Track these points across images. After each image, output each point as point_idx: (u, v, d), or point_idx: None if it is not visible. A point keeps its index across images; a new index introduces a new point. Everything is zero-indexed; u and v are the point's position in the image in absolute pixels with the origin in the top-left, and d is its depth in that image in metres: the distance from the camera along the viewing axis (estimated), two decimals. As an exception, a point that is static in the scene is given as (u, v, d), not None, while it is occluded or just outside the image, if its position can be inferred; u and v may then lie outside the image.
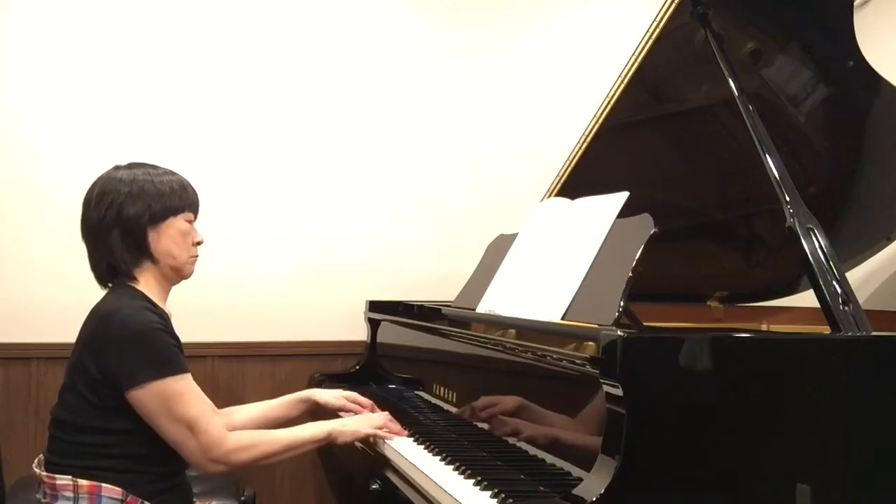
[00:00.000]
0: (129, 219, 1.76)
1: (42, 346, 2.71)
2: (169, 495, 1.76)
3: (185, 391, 1.69)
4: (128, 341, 1.67)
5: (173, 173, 1.85)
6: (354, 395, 2.16)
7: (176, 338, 1.76)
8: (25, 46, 2.77)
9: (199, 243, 1.87)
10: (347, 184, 3.10)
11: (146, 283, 1.80)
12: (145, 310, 1.72)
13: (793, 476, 1.46)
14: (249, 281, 2.97)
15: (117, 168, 1.83)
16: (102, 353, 1.68)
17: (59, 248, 2.72)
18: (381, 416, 2.02)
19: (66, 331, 1.91)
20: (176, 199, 1.81)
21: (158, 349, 1.69)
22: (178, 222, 1.81)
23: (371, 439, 1.99)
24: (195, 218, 1.87)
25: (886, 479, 1.54)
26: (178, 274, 1.85)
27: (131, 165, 1.84)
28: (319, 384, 2.76)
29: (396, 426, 2.00)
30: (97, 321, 1.72)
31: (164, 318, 1.76)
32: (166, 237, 1.79)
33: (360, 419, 2.01)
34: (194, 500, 1.90)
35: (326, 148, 3.08)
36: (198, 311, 2.76)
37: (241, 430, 1.89)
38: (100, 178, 1.82)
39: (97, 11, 2.83)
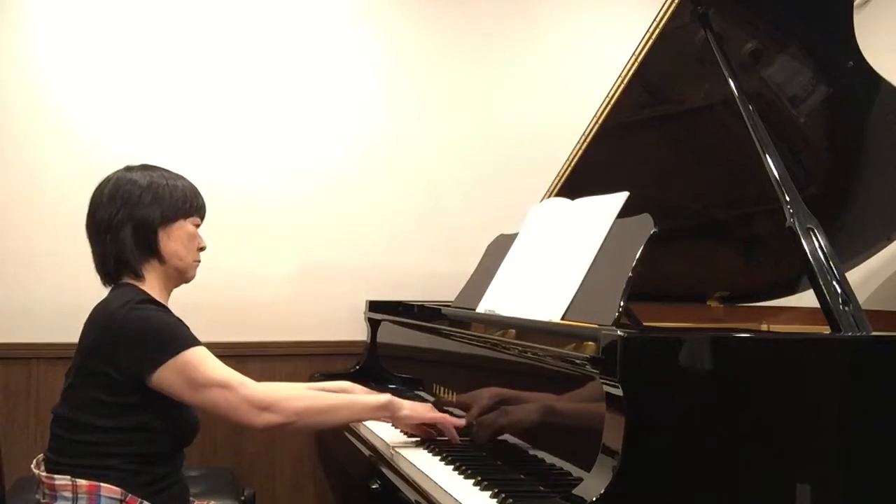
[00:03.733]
0: (142, 217, 1.79)
1: (42, 346, 2.72)
2: (167, 494, 1.76)
3: (204, 358, 1.71)
4: (138, 332, 1.69)
5: (184, 178, 1.89)
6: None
7: (181, 321, 1.78)
8: (24, 48, 2.77)
9: (202, 249, 1.90)
10: (348, 184, 3.10)
11: (150, 282, 1.82)
12: (147, 302, 1.75)
13: (793, 476, 1.47)
14: (249, 281, 2.97)
15: (130, 169, 1.85)
16: (115, 354, 1.69)
17: (58, 248, 2.72)
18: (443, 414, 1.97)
19: (66, 331, 1.91)
20: (187, 202, 1.85)
21: (165, 331, 1.71)
22: (187, 225, 1.85)
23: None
24: (201, 223, 1.90)
25: (886, 479, 1.54)
26: (181, 276, 1.87)
27: (144, 167, 1.86)
28: (319, 384, 2.76)
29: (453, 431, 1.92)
30: (103, 320, 1.73)
31: (167, 310, 1.78)
32: (175, 238, 1.82)
33: (425, 405, 1.99)
34: (194, 500, 1.90)
35: (326, 148, 3.08)
36: (198, 311, 2.73)
37: None
38: (111, 177, 1.83)
39: (95, 12, 2.83)
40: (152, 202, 1.79)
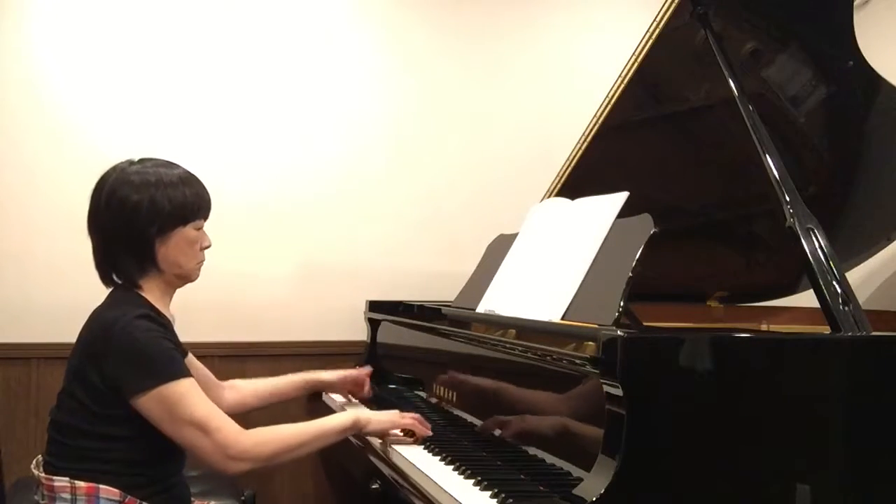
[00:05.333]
0: (138, 229, 1.73)
1: (42, 346, 2.71)
2: (167, 496, 1.75)
3: (187, 393, 1.67)
4: (128, 351, 1.66)
5: (187, 173, 1.81)
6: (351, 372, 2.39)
7: (177, 343, 1.75)
8: (21, 47, 2.77)
9: (206, 247, 1.84)
10: (347, 184, 3.10)
11: (150, 290, 1.78)
12: (145, 318, 1.70)
13: (793, 476, 1.47)
14: (249, 281, 2.97)
15: (130, 163, 1.79)
16: (104, 363, 1.67)
17: (58, 248, 2.72)
18: (412, 414, 1.99)
19: (66, 331, 1.91)
20: (187, 207, 1.77)
21: (157, 356, 1.67)
22: (186, 231, 1.77)
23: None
24: (204, 223, 1.83)
25: (886, 479, 1.54)
26: (183, 280, 1.83)
27: (144, 164, 1.79)
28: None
29: (425, 428, 1.97)
30: (98, 329, 1.71)
31: (164, 325, 1.74)
32: (174, 248, 1.77)
33: (392, 412, 1.99)
34: (194, 500, 1.89)
35: (326, 148, 3.08)
36: (198, 310, 2.75)
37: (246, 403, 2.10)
38: (112, 173, 1.77)
39: (93, 11, 2.83)
40: (148, 214, 1.72)
